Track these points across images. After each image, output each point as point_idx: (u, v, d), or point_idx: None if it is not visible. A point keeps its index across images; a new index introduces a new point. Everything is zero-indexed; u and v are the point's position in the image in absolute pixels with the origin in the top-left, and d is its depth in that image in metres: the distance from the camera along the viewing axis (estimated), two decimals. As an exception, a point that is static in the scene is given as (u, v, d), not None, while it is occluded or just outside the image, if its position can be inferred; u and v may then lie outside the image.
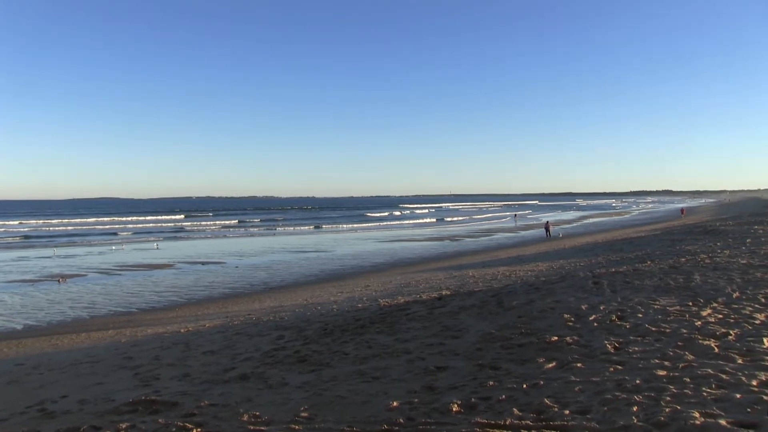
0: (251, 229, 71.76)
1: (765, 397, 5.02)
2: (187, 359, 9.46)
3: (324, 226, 74.97)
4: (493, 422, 5.13)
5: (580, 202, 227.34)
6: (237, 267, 30.83)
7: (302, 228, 72.62)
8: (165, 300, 20.77)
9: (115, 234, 62.62)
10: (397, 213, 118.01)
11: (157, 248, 43.99)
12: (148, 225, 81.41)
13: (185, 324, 14.49)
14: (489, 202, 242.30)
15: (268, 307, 16.63)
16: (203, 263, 32.87)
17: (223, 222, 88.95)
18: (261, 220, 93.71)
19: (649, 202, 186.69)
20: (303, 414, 5.86)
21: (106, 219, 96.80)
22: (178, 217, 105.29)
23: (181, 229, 71.38)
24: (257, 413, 5.98)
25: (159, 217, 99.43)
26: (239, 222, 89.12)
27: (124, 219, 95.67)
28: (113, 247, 43.97)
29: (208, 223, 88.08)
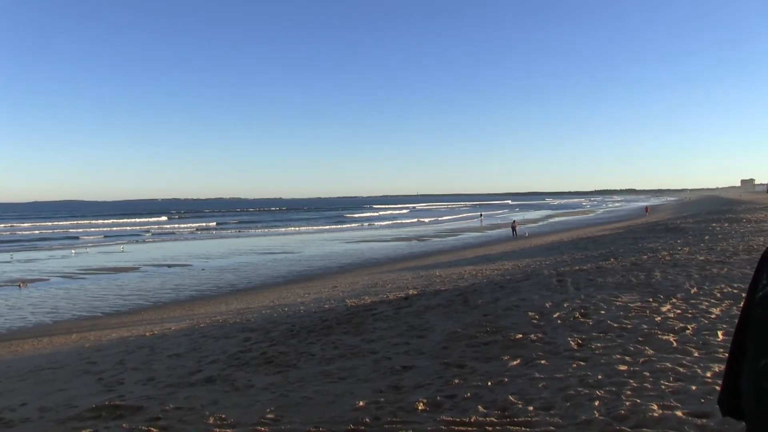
0: (218, 231, 71.13)
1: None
2: (152, 363, 9.37)
3: (292, 228, 74.61)
4: (458, 420, 5.20)
5: (551, 201, 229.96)
6: (203, 269, 30.56)
7: (270, 229, 72.16)
8: (130, 303, 20.50)
9: (77, 238, 61.46)
10: (365, 214, 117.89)
11: (123, 251, 43.39)
12: (113, 228, 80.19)
13: (151, 327, 14.33)
14: (458, 202, 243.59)
15: (234, 309, 16.52)
16: (169, 266, 32.50)
17: (189, 224, 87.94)
18: (231, 222, 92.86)
19: (617, 201, 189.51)
20: (269, 415, 5.86)
21: (69, 222, 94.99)
22: (144, 219, 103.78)
23: (147, 232, 70.43)
24: (223, 416, 5.97)
25: (124, 220, 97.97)
26: (206, 224, 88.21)
27: (88, 222, 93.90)
28: (73, 252, 43.11)
29: (175, 225, 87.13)
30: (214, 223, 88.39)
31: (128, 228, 78.97)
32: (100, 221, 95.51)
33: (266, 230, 71.01)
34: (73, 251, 43.53)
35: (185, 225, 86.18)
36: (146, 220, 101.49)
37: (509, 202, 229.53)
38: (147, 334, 13.03)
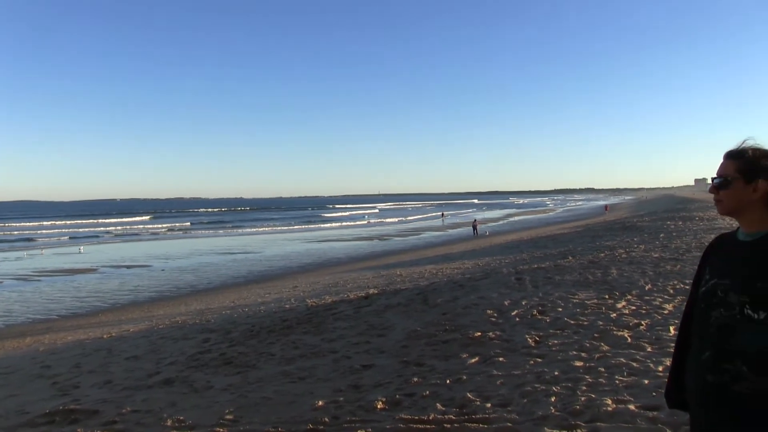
0: (178, 232, 70.21)
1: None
2: (109, 365, 9.22)
3: (254, 228, 74.05)
4: (416, 418, 5.23)
5: (516, 200, 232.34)
6: (163, 270, 30.18)
7: (231, 230, 71.48)
8: (87, 305, 20.13)
9: (32, 239, 59.97)
10: (328, 214, 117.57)
11: (80, 252, 42.53)
12: (70, 228, 78.41)
13: (108, 329, 14.08)
14: (425, 201, 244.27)
15: (194, 310, 16.34)
16: (128, 267, 32.00)
17: (150, 225, 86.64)
18: (194, 222, 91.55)
19: (579, 200, 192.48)
20: (228, 416, 5.82)
21: (24, 223, 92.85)
22: (103, 220, 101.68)
23: (107, 232, 69.16)
24: (181, 417, 5.91)
25: (82, 221, 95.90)
26: (167, 224, 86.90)
27: (43, 223, 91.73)
28: (26, 254, 42.08)
29: (134, 225, 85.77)
30: (180, 224, 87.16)
31: (86, 229, 77.26)
32: (57, 222, 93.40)
33: (229, 230, 70.38)
34: (25, 253, 42.48)
35: (148, 225, 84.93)
36: (105, 221, 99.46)
37: (476, 201, 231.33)
38: (104, 336, 12.82)
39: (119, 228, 79.91)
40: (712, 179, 2.37)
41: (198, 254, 38.74)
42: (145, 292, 22.64)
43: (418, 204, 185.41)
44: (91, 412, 6.40)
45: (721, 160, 2.37)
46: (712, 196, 2.39)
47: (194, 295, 21.45)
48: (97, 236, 63.36)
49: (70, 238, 61.40)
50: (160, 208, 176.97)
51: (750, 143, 2.33)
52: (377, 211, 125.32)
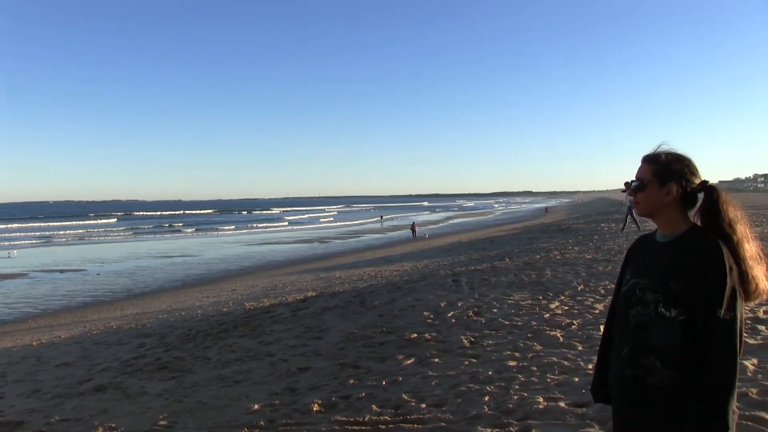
0: (114, 235, 68.38)
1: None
2: (37, 373, 8.92)
3: (191, 230, 72.78)
4: (352, 419, 5.25)
5: (464, 203, 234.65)
6: (98, 274, 29.36)
7: (169, 233, 70.07)
8: (16, 312, 19.42)
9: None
10: (266, 216, 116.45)
11: (10, 256, 40.97)
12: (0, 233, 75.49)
13: (38, 336, 13.63)
14: (364, 204, 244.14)
15: (130, 315, 15.97)
16: (61, 271, 31.00)
17: (85, 228, 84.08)
18: (129, 226, 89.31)
19: (522, 203, 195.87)
20: (162, 422, 5.73)
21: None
22: (35, 224, 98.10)
23: (40, 236, 66.82)
24: (113, 425, 5.78)
25: (12, 225, 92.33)
26: (103, 227, 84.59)
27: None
28: None
29: (68, 228, 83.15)
30: (116, 227, 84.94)
31: (17, 234, 74.43)
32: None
33: (167, 233, 69.01)
34: None
35: (82, 229, 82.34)
36: (37, 224, 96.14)
37: (425, 203, 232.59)
38: (34, 343, 12.40)
39: (52, 231, 77.28)
40: (631, 182, 2.46)
41: (135, 257, 37.83)
42: (79, 297, 21.99)
43: (364, 207, 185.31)
44: (16, 424, 6.17)
45: (639, 164, 2.47)
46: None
47: (130, 299, 20.95)
48: (29, 239, 61.18)
49: (-3, 242, 59.15)
50: (96, 211, 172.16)
51: (664, 148, 2.44)
52: (322, 214, 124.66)
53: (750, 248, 2.24)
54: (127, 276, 28.19)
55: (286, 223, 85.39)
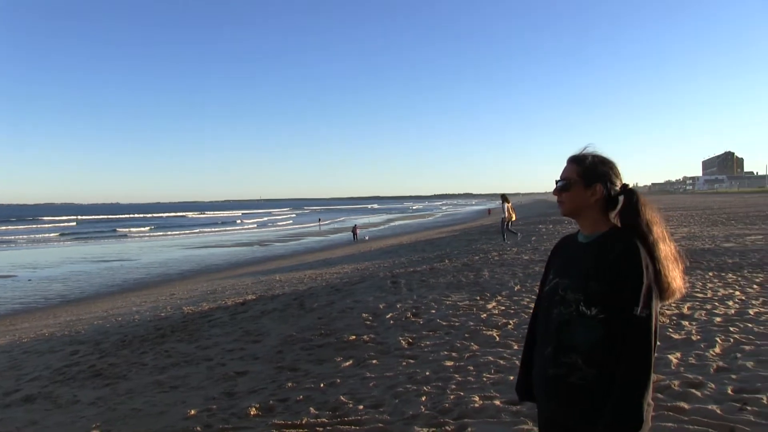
0: (49, 240, 66.08)
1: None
2: (-40, 386, 8.57)
3: (129, 234, 71.12)
4: (290, 423, 5.24)
5: (412, 205, 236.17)
6: (30, 280, 28.36)
7: (105, 237, 68.20)
8: (-62, 322, 18.61)
9: None
10: (205, 219, 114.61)
11: (-69, 263, 39.26)
12: None
13: (-38, 346, 13.10)
14: (307, 207, 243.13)
15: (63, 322, 15.48)
16: (-12, 278, 29.89)
17: (16, 233, 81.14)
18: (65, 230, 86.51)
19: (473, 204, 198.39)
20: (94, 431, 5.59)
21: None
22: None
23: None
24: (42, 436, 5.62)
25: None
26: (35, 230, 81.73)
27: None
28: None
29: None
30: (49, 232, 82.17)
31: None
32: None
33: (103, 237, 67.14)
34: None
35: (13, 235, 79.40)
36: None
37: (375, 206, 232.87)
38: (-44, 354, 11.92)
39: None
40: (556, 182, 2.51)
41: (69, 262, 36.69)
42: (8, 304, 21.18)
43: (307, 210, 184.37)
44: (-65, 441, 5.94)
45: (565, 164, 2.52)
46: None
47: (64, 305, 20.31)
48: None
49: None
50: (28, 214, 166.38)
51: (590, 149, 2.50)
52: (241, 219, 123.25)
53: (665, 248, 2.32)
54: (61, 281, 27.31)
55: (226, 226, 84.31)
